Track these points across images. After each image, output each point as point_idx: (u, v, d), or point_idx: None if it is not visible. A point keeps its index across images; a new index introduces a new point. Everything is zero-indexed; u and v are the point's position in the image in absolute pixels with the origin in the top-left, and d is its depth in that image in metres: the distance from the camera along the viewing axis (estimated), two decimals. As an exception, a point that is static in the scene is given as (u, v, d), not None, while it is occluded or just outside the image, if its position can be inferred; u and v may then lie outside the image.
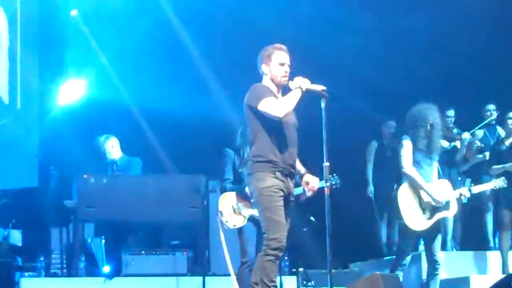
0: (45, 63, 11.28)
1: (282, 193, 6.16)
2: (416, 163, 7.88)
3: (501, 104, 10.67)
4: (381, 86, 11.28)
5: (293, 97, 6.16)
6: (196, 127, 11.17)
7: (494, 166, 9.80)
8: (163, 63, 11.25)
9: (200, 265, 9.07)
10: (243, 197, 7.90)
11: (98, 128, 10.43)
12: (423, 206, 7.86)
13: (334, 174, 7.94)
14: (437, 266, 8.00)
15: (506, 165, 9.63)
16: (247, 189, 7.86)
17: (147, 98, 11.14)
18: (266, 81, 6.37)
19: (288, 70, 6.31)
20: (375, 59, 11.54)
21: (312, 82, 6.20)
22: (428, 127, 7.94)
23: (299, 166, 6.56)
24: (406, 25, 11.26)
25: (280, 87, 6.36)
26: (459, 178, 10.53)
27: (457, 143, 10.74)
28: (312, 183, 6.48)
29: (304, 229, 9.69)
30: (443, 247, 10.61)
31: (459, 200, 8.82)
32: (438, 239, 8.01)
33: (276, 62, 6.29)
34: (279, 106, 6.12)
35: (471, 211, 10.97)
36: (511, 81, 11.06)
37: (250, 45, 11.19)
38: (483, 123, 10.72)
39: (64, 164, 10.01)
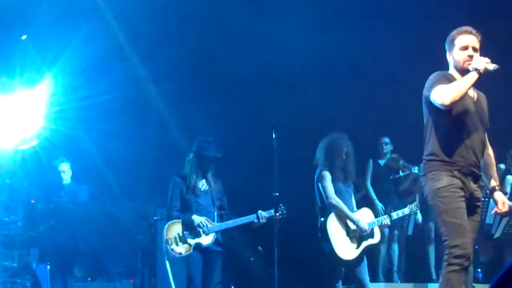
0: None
1: (462, 193, 5.42)
2: (338, 193, 7.91)
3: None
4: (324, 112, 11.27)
5: (466, 81, 5.40)
6: (145, 154, 11.13)
7: None
8: (113, 89, 11.16)
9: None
10: (189, 225, 7.90)
11: (47, 153, 10.34)
12: (351, 235, 7.88)
13: (281, 205, 7.97)
14: None
15: None
16: (193, 218, 7.90)
17: (97, 124, 11.05)
18: (451, 70, 5.70)
19: (473, 53, 5.58)
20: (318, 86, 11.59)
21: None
22: (344, 156, 7.99)
23: (492, 173, 5.88)
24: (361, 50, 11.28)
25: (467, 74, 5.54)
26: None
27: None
28: (500, 205, 5.76)
29: (252, 259, 9.75)
30: (390, 278, 10.73)
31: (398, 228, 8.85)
32: (366, 268, 8.01)
33: (458, 47, 5.63)
34: (446, 93, 5.36)
35: (415, 243, 11.07)
36: None
37: (201, 71, 11.32)
38: None
39: (11, 188, 9.89)
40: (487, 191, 10.15)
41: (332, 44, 10.94)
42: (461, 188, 5.43)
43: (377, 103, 11.24)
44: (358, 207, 8.24)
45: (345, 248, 7.83)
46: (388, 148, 10.89)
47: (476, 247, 10.18)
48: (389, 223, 8.45)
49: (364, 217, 8.06)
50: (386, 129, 11.10)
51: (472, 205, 5.54)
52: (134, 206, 9.33)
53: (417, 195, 10.67)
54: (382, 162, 10.87)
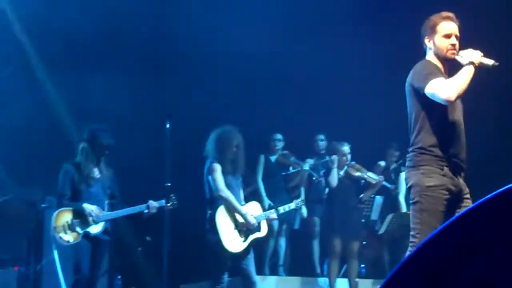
0: None
1: (448, 196, 5.33)
2: (227, 185, 7.99)
3: (329, 134, 11.05)
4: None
5: (466, 76, 5.24)
6: (36, 140, 10.88)
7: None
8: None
9: (32, 281, 8.91)
10: (79, 213, 7.82)
11: None
12: (239, 228, 8.00)
13: (172, 195, 7.97)
14: None
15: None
16: (84, 206, 7.83)
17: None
18: (430, 57, 5.56)
19: (456, 42, 5.47)
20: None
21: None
22: (234, 149, 8.10)
23: None
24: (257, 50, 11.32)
25: (447, 63, 5.53)
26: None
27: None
28: None
29: (139, 249, 9.71)
30: (275, 272, 10.87)
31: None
32: (253, 261, 8.14)
33: (441, 34, 5.47)
34: (450, 88, 5.21)
35: (299, 237, 11.23)
36: (339, 112, 11.37)
37: (96, 55, 11.13)
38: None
39: None
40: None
41: (233, 38, 10.98)
42: (448, 189, 5.35)
43: (272, 98, 11.36)
44: (247, 201, 8.35)
45: (232, 241, 7.93)
46: (280, 144, 10.99)
47: (364, 243, 10.48)
48: (276, 217, 8.62)
49: (252, 210, 8.19)
50: (278, 125, 11.23)
51: (459, 200, 5.43)
52: (22, 193, 9.15)
53: (303, 190, 10.86)
54: (273, 158, 10.98)
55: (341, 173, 10.14)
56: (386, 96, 10.92)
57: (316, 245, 10.96)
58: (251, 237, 8.07)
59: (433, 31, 5.51)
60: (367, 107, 11.37)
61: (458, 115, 5.50)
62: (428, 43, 5.56)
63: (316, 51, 11.48)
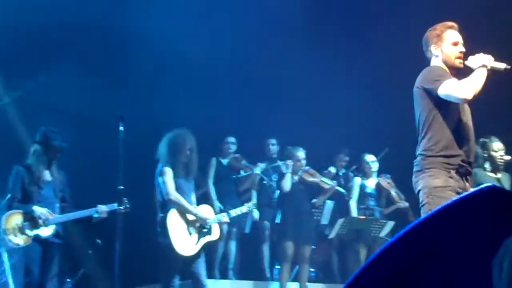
0: None
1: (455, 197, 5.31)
2: (179, 189, 8.04)
3: (281, 138, 11.12)
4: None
5: (481, 77, 5.29)
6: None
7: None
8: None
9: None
10: (30, 216, 7.74)
11: None
12: (190, 231, 8.04)
13: (125, 198, 7.93)
14: None
15: None
16: (34, 209, 7.75)
17: None
18: (437, 63, 5.63)
19: (463, 50, 5.58)
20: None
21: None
22: (188, 152, 8.14)
23: None
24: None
25: (454, 71, 5.57)
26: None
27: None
28: None
29: (90, 252, 9.65)
30: (225, 276, 10.88)
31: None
32: (203, 264, 8.18)
33: (448, 42, 5.58)
34: (466, 87, 5.26)
35: (250, 241, 11.26)
36: (291, 117, 11.43)
37: (46, 55, 10.98)
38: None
39: None
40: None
41: (188, 40, 10.95)
42: (456, 192, 5.31)
43: (224, 101, 11.37)
44: (198, 204, 8.37)
45: (184, 244, 7.95)
46: (233, 147, 11.02)
47: (313, 247, 10.54)
48: (228, 221, 8.66)
49: (204, 213, 8.21)
50: (230, 129, 11.24)
51: None
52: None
53: (254, 193, 10.89)
54: (225, 161, 10.99)
55: (295, 178, 10.19)
56: (337, 102, 11.07)
57: (266, 249, 10.98)
58: (203, 240, 8.10)
59: (439, 39, 5.60)
60: (318, 112, 11.47)
61: (467, 119, 5.54)
62: (435, 50, 5.64)
63: (268, 56, 11.52)
